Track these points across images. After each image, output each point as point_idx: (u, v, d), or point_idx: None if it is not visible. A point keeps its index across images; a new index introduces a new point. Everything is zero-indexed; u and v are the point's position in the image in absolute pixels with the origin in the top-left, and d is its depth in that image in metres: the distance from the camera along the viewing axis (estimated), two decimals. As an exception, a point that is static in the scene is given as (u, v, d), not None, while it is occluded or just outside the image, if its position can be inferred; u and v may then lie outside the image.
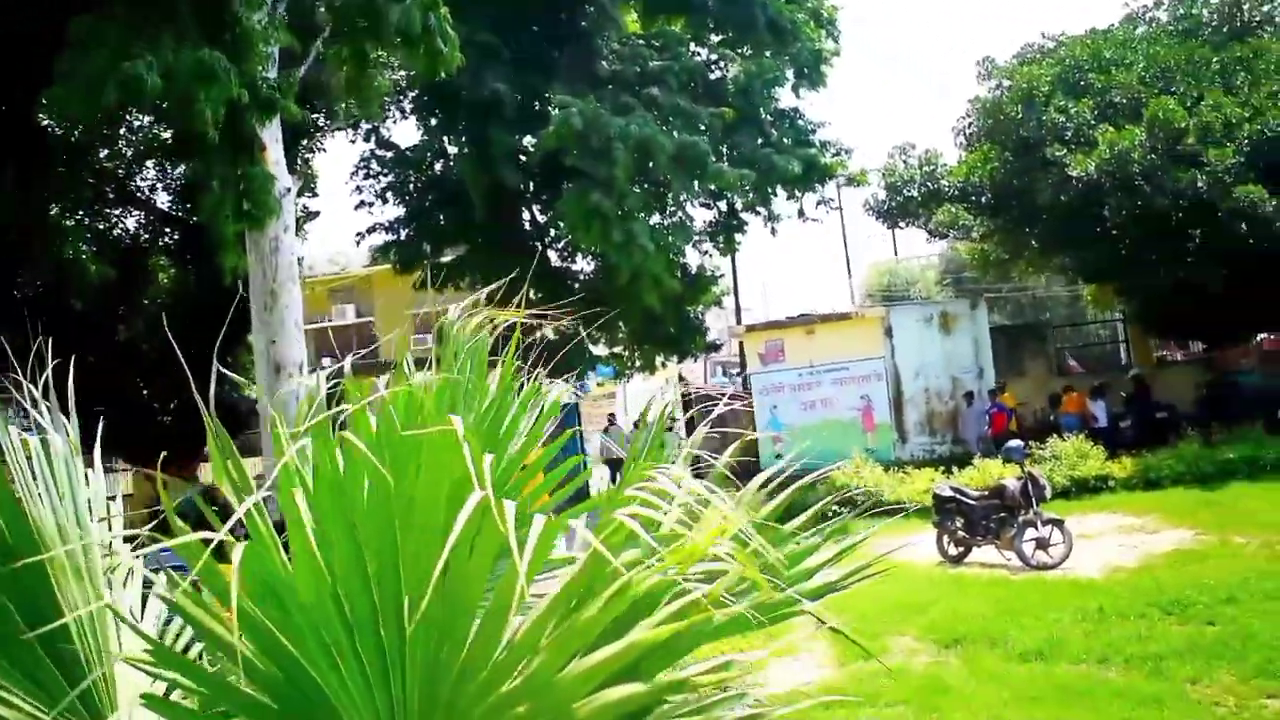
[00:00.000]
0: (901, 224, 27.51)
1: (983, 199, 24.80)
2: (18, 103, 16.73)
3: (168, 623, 3.49)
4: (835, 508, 17.10)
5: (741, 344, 32.54)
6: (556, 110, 21.01)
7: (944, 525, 15.56)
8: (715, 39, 24.85)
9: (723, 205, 25.77)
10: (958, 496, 15.44)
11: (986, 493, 15.49)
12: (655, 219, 22.87)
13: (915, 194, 26.25)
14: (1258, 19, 25.68)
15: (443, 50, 14.12)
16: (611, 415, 30.23)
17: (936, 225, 24.81)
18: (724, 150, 22.85)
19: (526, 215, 26.45)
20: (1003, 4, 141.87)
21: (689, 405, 28.53)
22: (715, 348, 28.35)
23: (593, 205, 20.82)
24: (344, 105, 18.60)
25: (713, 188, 22.90)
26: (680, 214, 22.87)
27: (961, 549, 15.40)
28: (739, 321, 34.55)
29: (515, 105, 22.24)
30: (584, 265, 27.69)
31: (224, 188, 12.66)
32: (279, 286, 16.47)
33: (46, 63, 12.03)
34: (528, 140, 23.78)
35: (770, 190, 23.72)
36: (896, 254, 51.78)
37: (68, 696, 2.62)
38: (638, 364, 28.82)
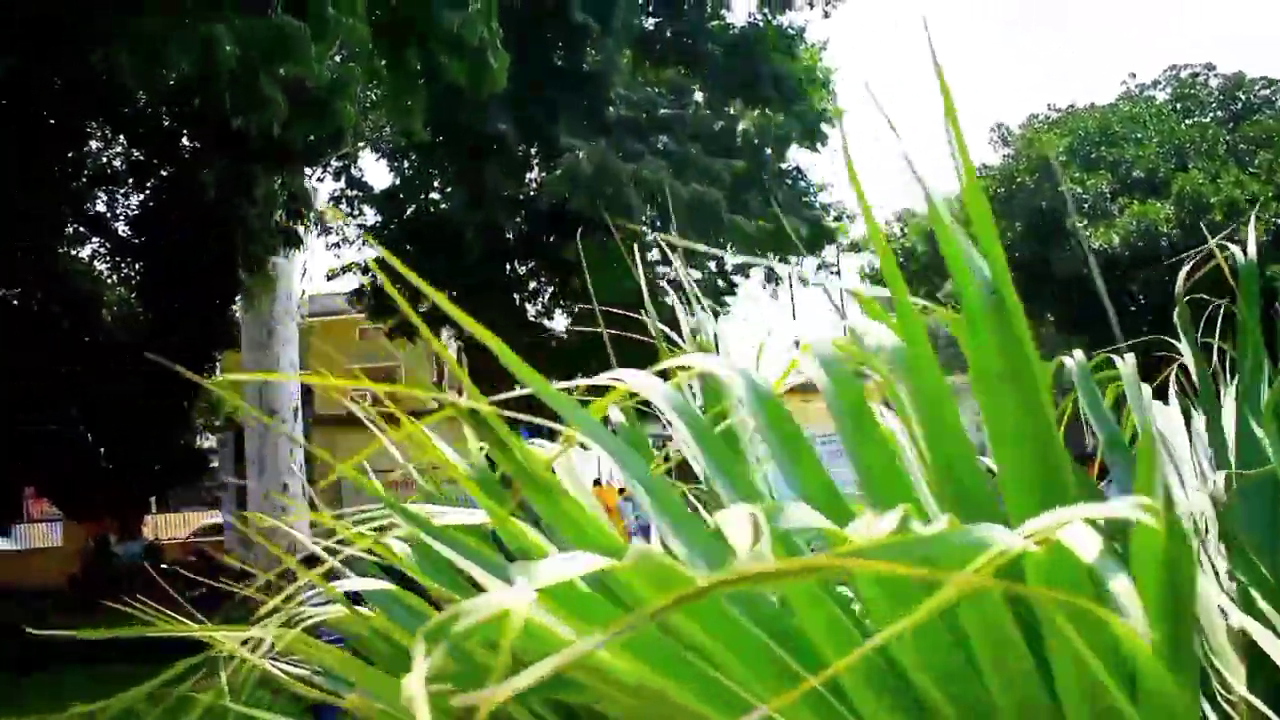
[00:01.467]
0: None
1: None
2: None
3: None
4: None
5: (721, 411, 31.34)
6: (564, 153, 19.81)
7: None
8: (719, 92, 23.75)
9: (712, 265, 24.60)
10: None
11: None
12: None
13: (915, 264, 25.44)
14: (1258, 102, 25.46)
15: (492, 65, 12.80)
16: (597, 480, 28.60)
17: (946, 295, 23.87)
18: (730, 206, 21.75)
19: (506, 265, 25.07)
20: (992, 75, 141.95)
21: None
22: (700, 413, 27.04)
23: (605, 253, 19.50)
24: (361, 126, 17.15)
25: (719, 243, 21.73)
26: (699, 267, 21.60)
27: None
28: (719, 388, 33.30)
29: (516, 146, 20.91)
30: (560, 322, 26.46)
31: (268, 200, 11.14)
32: (276, 322, 15.02)
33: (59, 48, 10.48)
34: (520, 182, 22.56)
35: (775, 251, 22.64)
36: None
37: None
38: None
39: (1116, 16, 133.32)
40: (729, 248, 21.15)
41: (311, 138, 12.97)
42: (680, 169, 20.59)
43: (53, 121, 18.65)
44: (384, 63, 13.15)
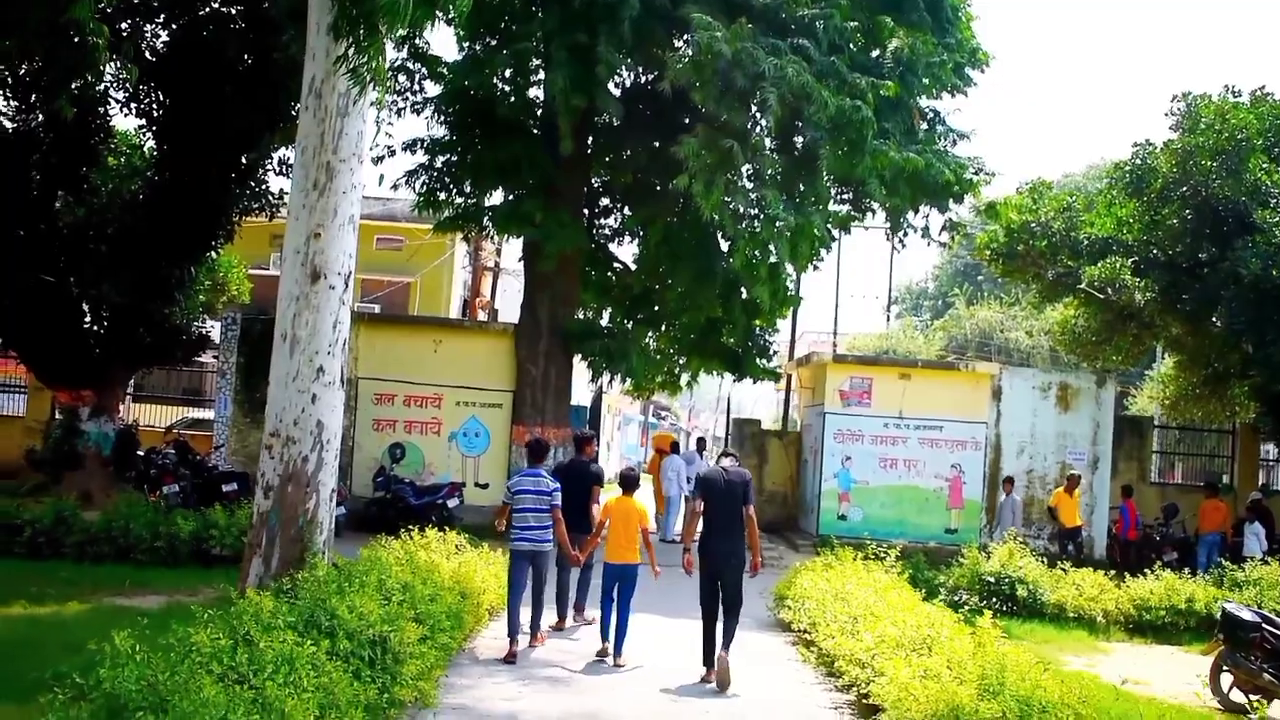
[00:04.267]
0: (1020, 273, 23.35)
1: (1131, 259, 20.78)
2: None
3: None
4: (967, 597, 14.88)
5: (790, 379, 28.03)
6: (698, 32, 16.33)
7: (1236, 661, 11.08)
8: (864, 7, 20.10)
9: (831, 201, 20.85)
10: (1267, 627, 10.99)
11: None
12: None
13: (1039, 243, 22.10)
14: None
15: None
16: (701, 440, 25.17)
17: (1090, 279, 20.54)
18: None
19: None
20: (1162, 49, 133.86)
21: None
22: (775, 376, 23.71)
23: (725, 156, 16.15)
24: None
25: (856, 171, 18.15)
26: (820, 199, 17.99)
27: (1259, 696, 10.91)
28: (792, 350, 29.85)
29: (634, 20, 17.29)
30: (629, 250, 23.15)
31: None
32: (339, 162, 11.62)
33: None
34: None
35: (915, 196, 19.17)
36: (888, 320, 48.13)
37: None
38: (659, 379, 24.12)
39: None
40: (870, 179, 17.64)
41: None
42: (820, 79, 17.13)
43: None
44: None
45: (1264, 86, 20.96)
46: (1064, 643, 13.83)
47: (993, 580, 15.07)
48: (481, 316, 33.22)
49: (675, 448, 22.85)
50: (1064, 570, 15.76)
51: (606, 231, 23.21)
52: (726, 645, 9.67)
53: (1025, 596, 14.85)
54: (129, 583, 12.62)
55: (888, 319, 47.75)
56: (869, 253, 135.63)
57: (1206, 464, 27.08)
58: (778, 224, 16.79)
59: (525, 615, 10.62)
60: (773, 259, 17.51)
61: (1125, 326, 23.09)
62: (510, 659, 10.05)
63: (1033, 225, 21.93)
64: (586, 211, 21.97)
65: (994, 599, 14.82)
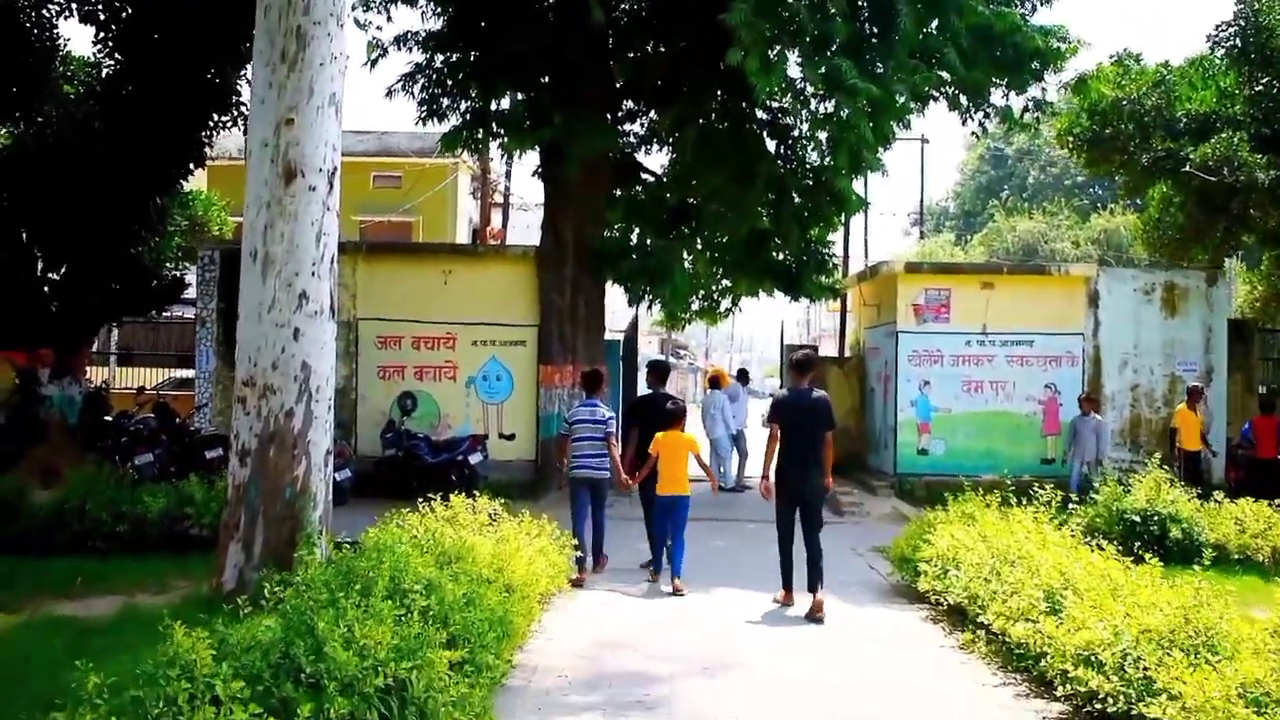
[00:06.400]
0: (1106, 161, 20.47)
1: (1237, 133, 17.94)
2: None
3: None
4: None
5: (845, 298, 25.23)
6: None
7: None
8: None
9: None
10: None
11: None
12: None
13: (1127, 124, 19.27)
14: None
15: None
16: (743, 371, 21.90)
17: (1202, 159, 17.67)
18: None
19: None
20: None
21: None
22: (835, 293, 20.93)
23: (786, 20, 13.28)
24: None
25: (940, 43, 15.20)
26: (902, 68, 14.93)
27: None
28: (846, 264, 26.99)
29: None
30: (656, 160, 20.32)
31: None
32: (312, 25, 8.87)
33: None
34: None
35: (992, 71, 16.18)
36: (922, 237, 45.12)
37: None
38: (697, 307, 21.34)
39: None
40: (948, 50, 14.68)
41: None
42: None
43: None
44: None
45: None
46: (1241, 593, 11.16)
47: (1138, 519, 12.36)
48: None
49: (715, 383, 20.00)
50: (1217, 503, 13.05)
51: (632, 140, 20.34)
52: (817, 581, 9.38)
53: (1179, 538, 12.14)
54: (80, 580, 9.94)
55: (921, 235, 44.80)
56: (891, 168, 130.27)
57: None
58: (857, 99, 13.80)
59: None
60: (851, 144, 14.50)
61: (1216, 220, 20.29)
62: (578, 584, 10.43)
63: (1123, 103, 19.05)
64: (609, 117, 19.08)
65: (1139, 542, 12.10)
